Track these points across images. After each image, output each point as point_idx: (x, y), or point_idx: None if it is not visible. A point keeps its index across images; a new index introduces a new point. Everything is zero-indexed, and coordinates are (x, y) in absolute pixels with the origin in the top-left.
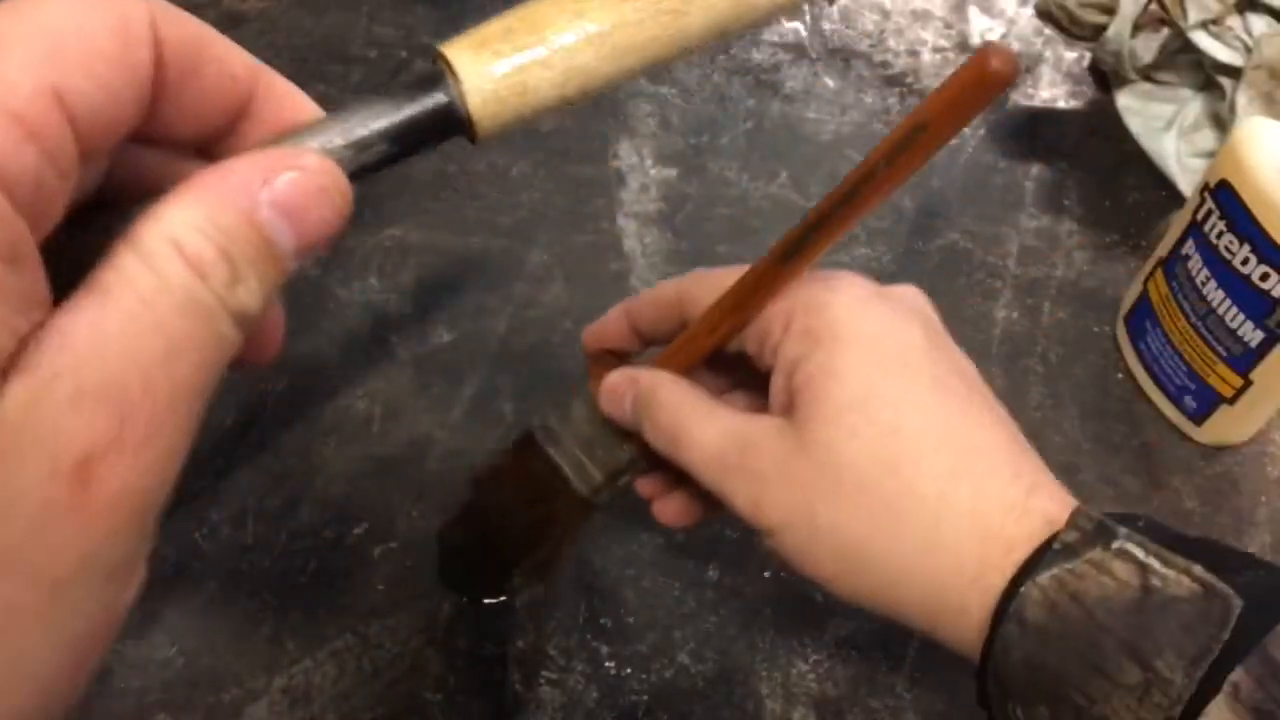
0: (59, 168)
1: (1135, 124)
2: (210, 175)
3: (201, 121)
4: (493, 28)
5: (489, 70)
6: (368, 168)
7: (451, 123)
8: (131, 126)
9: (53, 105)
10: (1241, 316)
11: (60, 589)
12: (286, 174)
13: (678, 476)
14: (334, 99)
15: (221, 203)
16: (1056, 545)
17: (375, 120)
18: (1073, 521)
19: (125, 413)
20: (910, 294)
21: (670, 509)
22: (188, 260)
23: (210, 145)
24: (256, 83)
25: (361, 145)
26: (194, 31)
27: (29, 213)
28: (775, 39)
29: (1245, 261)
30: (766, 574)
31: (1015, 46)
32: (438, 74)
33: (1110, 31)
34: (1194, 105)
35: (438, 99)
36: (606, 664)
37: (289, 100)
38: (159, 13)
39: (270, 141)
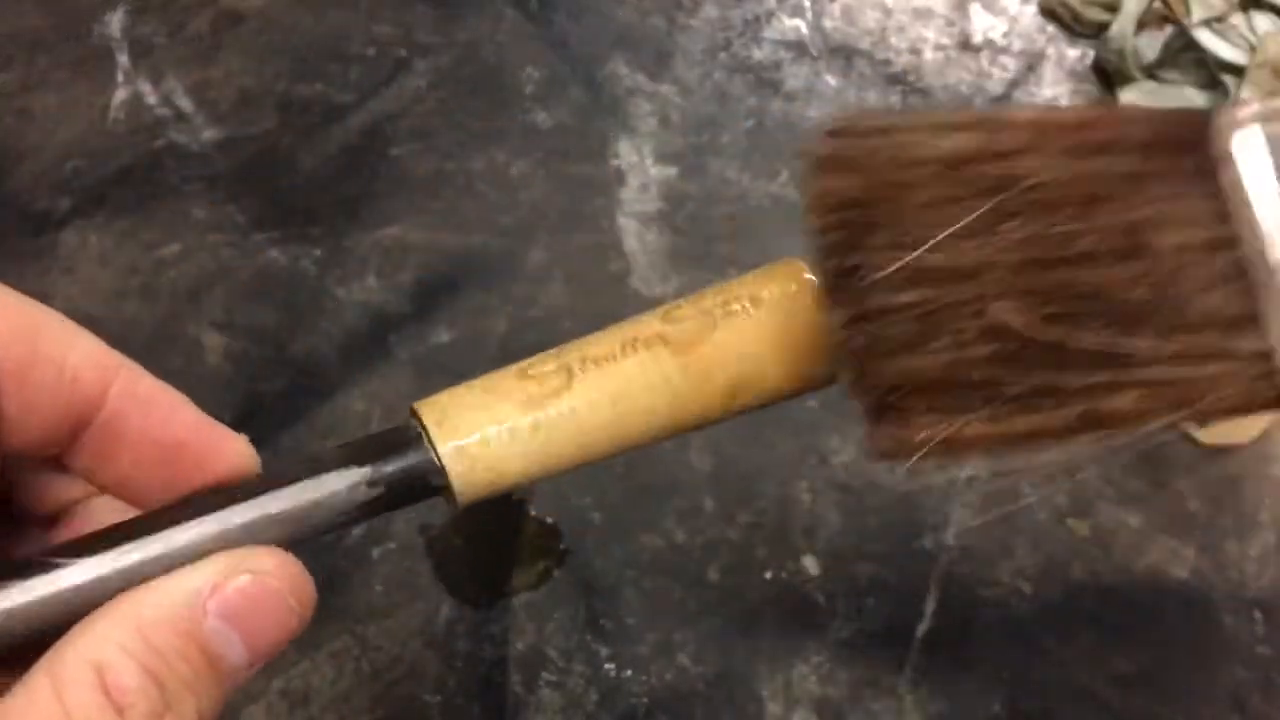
0: None
1: None
2: (150, 586)
3: (32, 431)
4: (476, 396)
5: (471, 443)
6: (324, 528)
7: (427, 487)
8: None
9: None
10: None
11: None
12: (239, 579)
13: None
14: (334, 98)
15: (157, 617)
16: None
17: (337, 478)
18: None
19: None
20: None
21: None
22: (107, 690)
23: (63, 454)
24: (110, 385)
25: (318, 505)
26: (23, 322)
27: None
28: (776, 37)
29: None
30: (767, 575)
31: (1018, 44)
32: (412, 433)
33: (1114, 29)
34: (1197, 103)
35: (412, 461)
36: (606, 666)
37: (156, 407)
38: None
39: (211, 494)
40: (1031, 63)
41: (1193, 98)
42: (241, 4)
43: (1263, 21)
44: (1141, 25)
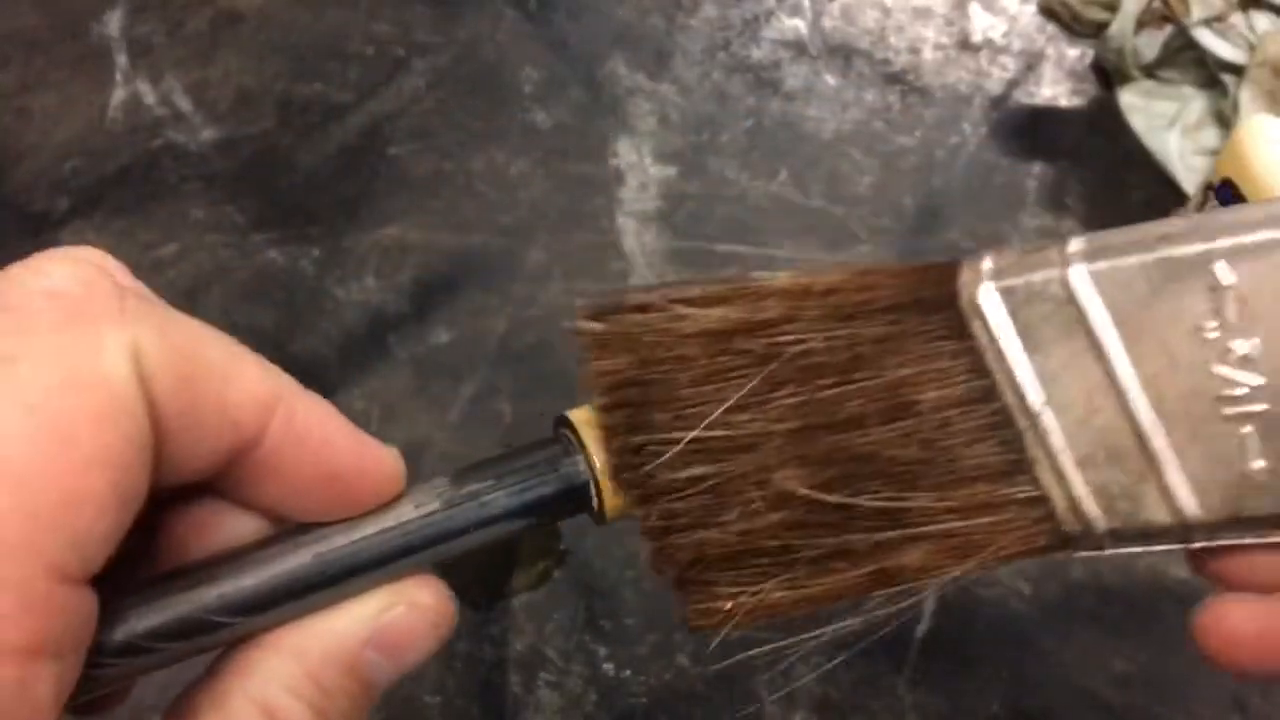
0: (76, 642)
1: (1138, 122)
2: (311, 626)
3: (189, 471)
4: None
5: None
6: (472, 551)
7: (578, 503)
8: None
9: (52, 585)
10: None
11: None
12: (397, 609)
13: None
14: (333, 98)
15: (324, 657)
16: None
17: (495, 495)
18: None
19: None
20: None
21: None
22: None
23: (213, 482)
24: (269, 421)
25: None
26: (188, 366)
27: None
28: (775, 36)
29: None
30: None
31: (1017, 44)
32: (566, 446)
33: (1113, 29)
34: (1197, 103)
35: (567, 476)
36: (605, 666)
37: (311, 438)
38: (147, 351)
39: (372, 527)
40: (1031, 62)
41: (1192, 97)
42: (240, 3)
43: (1262, 21)
44: (1141, 25)
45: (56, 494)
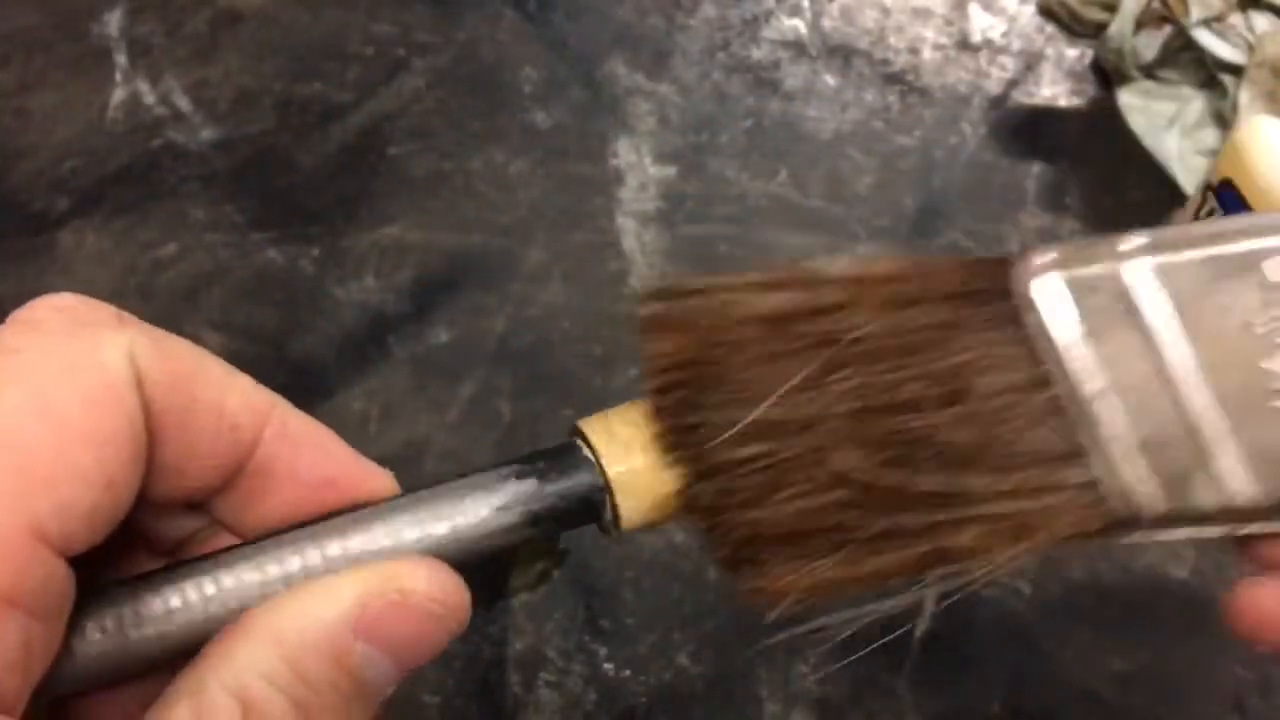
0: (49, 611)
1: (1137, 122)
2: (291, 604)
3: (190, 478)
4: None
5: (639, 468)
6: (485, 553)
7: (588, 514)
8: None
9: (31, 542)
10: None
11: None
12: (388, 597)
13: None
14: (332, 98)
15: (303, 642)
16: None
17: (501, 501)
18: None
19: None
20: None
21: None
22: None
23: (209, 500)
24: (264, 428)
25: (483, 534)
26: (184, 369)
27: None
28: (775, 36)
29: None
30: None
31: (1016, 44)
32: (576, 453)
33: (1112, 29)
34: (1196, 103)
35: (580, 483)
36: (605, 666)
37: (306, 446)
38: (143, 353)
39: (355, 517)
40: (1030, 62)
41: (1191, 97)
42: (239, 3)
43: (1261, 21)
44: (1140, 25)
45: (45, 463)
